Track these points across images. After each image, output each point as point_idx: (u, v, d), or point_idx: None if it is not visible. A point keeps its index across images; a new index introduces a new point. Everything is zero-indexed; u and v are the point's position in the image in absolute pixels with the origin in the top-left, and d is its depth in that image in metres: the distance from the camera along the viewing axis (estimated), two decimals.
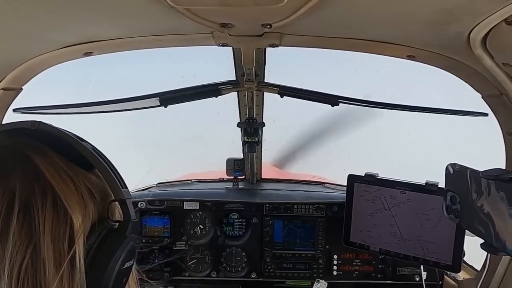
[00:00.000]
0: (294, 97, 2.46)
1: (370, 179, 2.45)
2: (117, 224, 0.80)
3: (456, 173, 1.37)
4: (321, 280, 2.64)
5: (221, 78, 2.39)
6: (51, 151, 0.78)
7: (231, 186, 3.08)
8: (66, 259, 0.71)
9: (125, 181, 0.84)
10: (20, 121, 0.80)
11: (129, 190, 0.84)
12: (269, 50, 1.98)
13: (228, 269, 2.80)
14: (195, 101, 2.43)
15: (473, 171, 1.28)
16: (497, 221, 1.17)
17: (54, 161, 0.77)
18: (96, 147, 0.84)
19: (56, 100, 2.32)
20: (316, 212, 2.76)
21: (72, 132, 0.83)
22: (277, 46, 1.76)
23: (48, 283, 0.69)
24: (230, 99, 2.59)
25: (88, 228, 0.75)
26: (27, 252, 0.69)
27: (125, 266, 0.79)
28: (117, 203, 0.81)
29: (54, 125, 0.82)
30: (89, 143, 0.82)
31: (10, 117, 2.00)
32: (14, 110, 2.09)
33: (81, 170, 0.80)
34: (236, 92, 2.52)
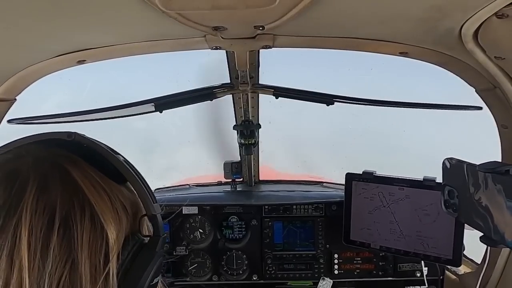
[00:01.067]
0: (289, 98, 2.47)
1: (368, 177, 2.45)
2: (147, 238, 0.80)
3: (453, 167, 1.38)
4: (326, 278, 2.63)
5: (215, 81, 2.39)
6: (86, 164, 0.78)
7: (229, 189, 3.07)
8: (102, 275, 0.71)
9: None
10: (56, 132, 0.80)
11: None
12: (262, 51, 1.98)
13: (229, 273, 2.79)
14: (190, 105, 2.43)
15: (470, 165, 1.28)
16: (495, 214, 1.17)
17: (91, 175, 0.77)
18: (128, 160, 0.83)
19: (51, 110, 2.31)
20: (315, 212, 2.76)
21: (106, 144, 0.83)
22: (270, 47, 1.76)
23: None
24: (225, 102, 2.59)
25: (121, 242, 0.76)
26: (66, 267, 0.69)
27: (153, 282, 0.79)
28: (146, 217, 0.81)
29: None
30: (122, 156, 0.82)
31: (5, 128, 1.99)
32: (9, 121, 2.08)
33: (114, 183, 0.80)
34: (231, 95, 2.52)
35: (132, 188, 0.81)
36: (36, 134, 0.80)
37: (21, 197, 0.70)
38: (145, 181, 0.82)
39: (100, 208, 0.74)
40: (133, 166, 0.82)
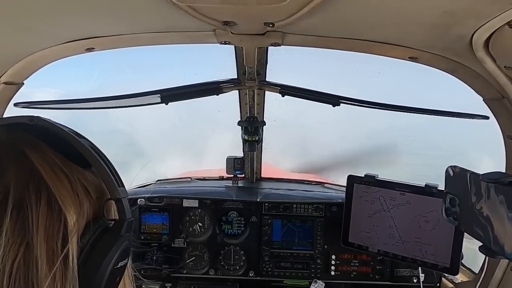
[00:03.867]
0: (295, 97, 2.46)
1: (370, 180, 2.45)
2: (112, 223, 0.80)
3: (456, 175, 1.37)
4: (318, 281, 2.64)
5: (222, 76, 2.39)
6: (48, 147, 0.77)
7: (231, 185, 3.08)
8: (59, 258, 0.70)
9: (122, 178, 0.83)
10: (18, 116, 0.79)
11: (129, 186, 0.82)
12: (271, 49, 1.98)
13: (226, 267, 2.80)
14: (196, 99, 2.43)
15: (473, 174, 1.27)
16: (496, 225, 1.17)
17: (50, 158, 0.76)
18: (94, 143, 0.83)
19: (57, 95, 2.32)
20: (315, 212, 2.76)
21: (70, 127, 0.82)
22: (279, 45, 1.75)
23: (40, 282, 0.69)
24: (231, 97, 2.59)
25: (83, 226, 0.75)
26: (20, 250, 0.68)
27: (118, 266, 0.78)
28: (113, 201, 0.80)
29: (54, 120, 0.81)
30: (87, 140, 0.82)
31: (12, 111, 2.00)
32: (15, 104, 2.09)
33: (77, 167, 0.79)
34: (237, 91, 2.52)
35: (97, 173, 0.81)
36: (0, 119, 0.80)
37: None
38: (111, 165, 0.81)
39: (58, 191, 0.73)
40: (99, 151, 0.81)
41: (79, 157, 0.78)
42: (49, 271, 0.69)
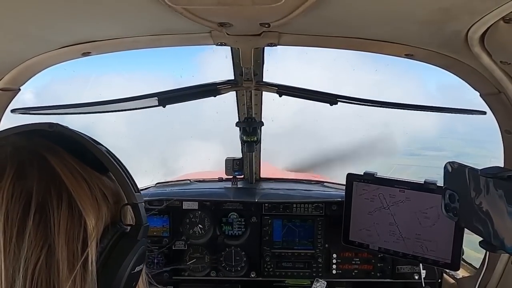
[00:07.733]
0: (293, 96, 2.46)
1: (369, 178, 2.45)
2: (129, 227, 0.81)
3: (454, 171, 1.37)
4: (320, 280, 2.64)
5: (219, 77, 2.39)
6: (66, 153, 0.79)
7: (230, 186, 3.08)
8: (80, 261, 0.71)
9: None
10: (37, 123, 0.81)
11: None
12: (267, 49, 1.98)
13: (227, 269, 2.80)
14: (193, 101, 2.43)
15: (472, 169, 1.28)
16: (495, 219, 1.17)
17: (70, 163, 0.77)
18: (110, 150, 0.84)
19: (54, 101, 2.31)
20: (315, 211, 2.76)
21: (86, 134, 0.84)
22: (275, 45, 1.75)
23: (61, 284, 0.70)
24: (229, 98, 2.59)
25: (101, 230, 0.76)
26: (42, 252, 0.70)
27: (135, 270, 0.79)
28: (129, 206, 0.81)
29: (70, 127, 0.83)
30: (104, 146, 0.83)
31: (8, 118, 1.99)
32: (12, 110, 2.08)
33: (95, 172, 0.80)
34: (234, 92, 2.52)
35: (114, 178, 0.82)
36: (19, 126, 0.81)
37: None
38: (127, 171, 0.83)
39: (78, 195, 0.74)
40: (115, 156, 0.83)
41: (97, 163, 0.80)
42: (69, 274, 0.71)
